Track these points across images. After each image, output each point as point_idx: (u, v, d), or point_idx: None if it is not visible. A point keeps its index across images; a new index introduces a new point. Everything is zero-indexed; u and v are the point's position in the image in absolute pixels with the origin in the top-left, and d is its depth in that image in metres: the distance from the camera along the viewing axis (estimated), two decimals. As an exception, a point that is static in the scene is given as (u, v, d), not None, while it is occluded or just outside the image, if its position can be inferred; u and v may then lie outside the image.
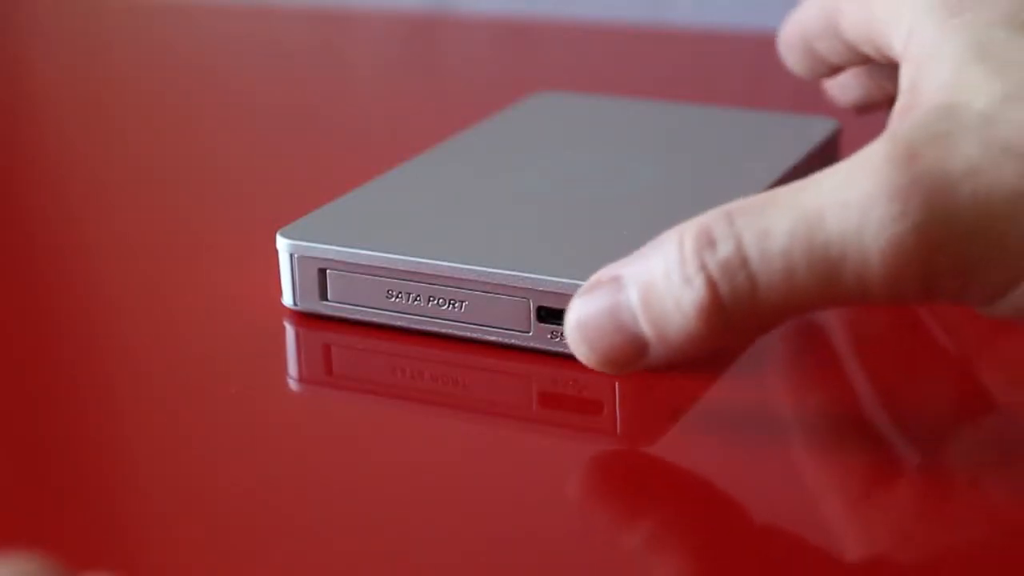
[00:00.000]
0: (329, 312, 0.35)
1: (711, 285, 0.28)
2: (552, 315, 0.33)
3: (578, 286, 0.30)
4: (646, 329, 0.29)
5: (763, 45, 0.46)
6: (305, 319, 0.35)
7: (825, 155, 0.41)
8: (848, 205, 0.27)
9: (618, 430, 0.32)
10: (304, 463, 0.30)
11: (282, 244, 0.35)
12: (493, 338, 0.33)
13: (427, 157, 0.41)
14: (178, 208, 0.45)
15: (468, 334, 0.34)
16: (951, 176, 0.27)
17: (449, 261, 0.33)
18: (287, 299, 0.35)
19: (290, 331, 0.35)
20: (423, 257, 0.34)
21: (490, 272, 0.33)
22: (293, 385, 0.34)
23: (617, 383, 0.32)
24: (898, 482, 0.30)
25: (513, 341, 0.33)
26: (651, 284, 0.29)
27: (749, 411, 0.32)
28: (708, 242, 0.28)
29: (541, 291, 0.33)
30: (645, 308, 0.29)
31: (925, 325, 0.36)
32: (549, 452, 0.31)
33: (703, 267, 0.28)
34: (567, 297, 0.30)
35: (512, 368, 0.33)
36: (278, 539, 0.27)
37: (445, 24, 0.68)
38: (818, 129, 0.42)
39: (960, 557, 0.27)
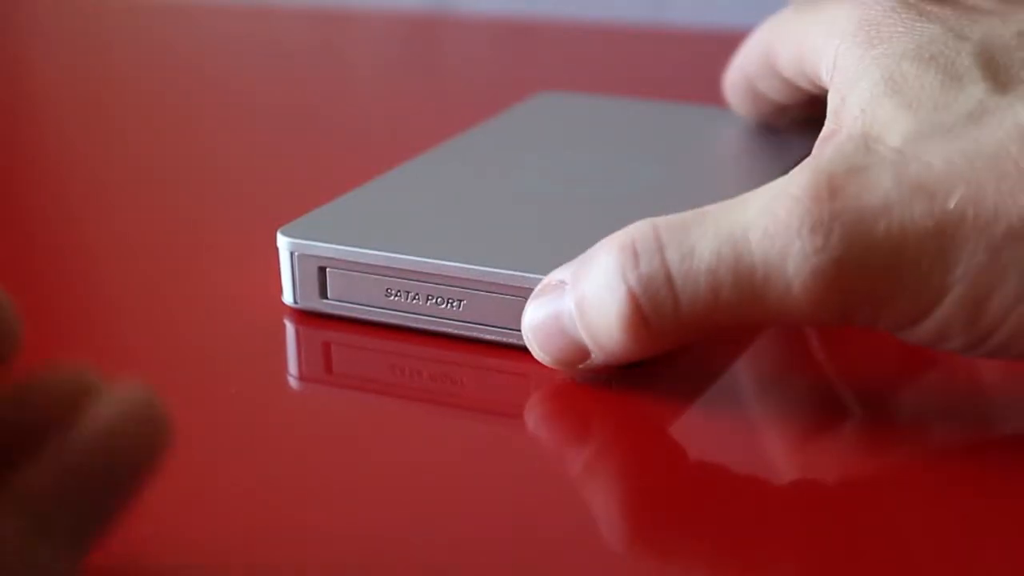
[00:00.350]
0: (329, 310, 0.35)
1: (632, 299, 0.29)
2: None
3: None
4: (584, 336, 0.30)
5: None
6: (305, 317, 0.35)
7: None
8: (772, 233, 0.28)
9: (618, 431, 0.32)
10: (304, 462, 0.30)
11: (282, 242, 0.35)
12: (493, 338, 0.33)
13: (427, 157, 0.41)
14: (178, 208, 0.45)
15: (468, 333, 0.34)
16: (868, 212, 0.28)
17: (449, 260, 0.33)
18: (287, 297, 0.35)
19: (290, 329, 0.35)
20: (423, 256, 0.34)
21: (490, 272, 0.33)
22: (293, 383, 0.34)
23: (616, 383, 0.32)
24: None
25: (513, 341, 0.33)
26: (584, 293, 0.30)
27: (751, 412, 0.32)
28: (632, 255, 0.29)
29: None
30: (580, 316, 0.30)
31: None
32: (549, 452, 0.31)
33: (625, 281, 0.29)
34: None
35: (512, 368, 0.33)
36: (278, 539, 0.27)
37: (445, 24, 0.68)
38: (817, 129, 0.42)
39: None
